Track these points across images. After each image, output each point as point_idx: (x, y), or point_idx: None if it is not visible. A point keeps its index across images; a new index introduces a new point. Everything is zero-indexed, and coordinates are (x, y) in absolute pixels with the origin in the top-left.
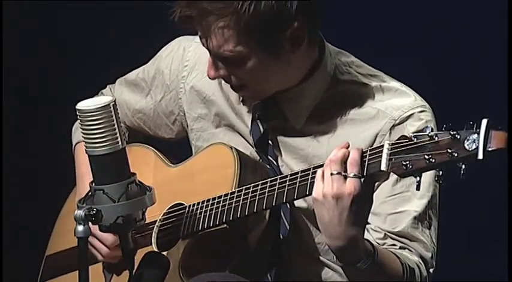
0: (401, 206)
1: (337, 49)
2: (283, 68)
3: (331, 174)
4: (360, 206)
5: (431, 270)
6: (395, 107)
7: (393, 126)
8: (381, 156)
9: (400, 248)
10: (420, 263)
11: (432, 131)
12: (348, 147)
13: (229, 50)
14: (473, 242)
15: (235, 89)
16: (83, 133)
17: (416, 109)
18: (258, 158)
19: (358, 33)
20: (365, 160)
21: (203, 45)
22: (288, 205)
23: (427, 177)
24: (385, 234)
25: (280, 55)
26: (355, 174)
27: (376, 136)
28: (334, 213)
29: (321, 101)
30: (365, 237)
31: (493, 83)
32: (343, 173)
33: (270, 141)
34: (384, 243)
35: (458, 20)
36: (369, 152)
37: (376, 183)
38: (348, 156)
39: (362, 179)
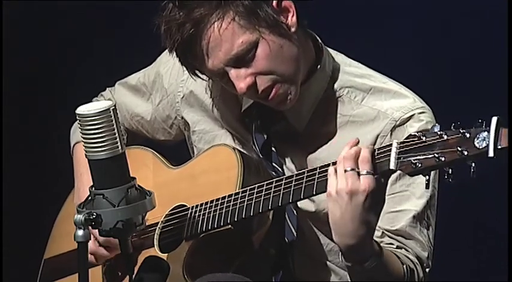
0: (400, 204)
1: (335, 51)
2: (295, 50)
3: (345, 170)
4: (372, 204)
5: (427, 270)
6: (395, 108)
7: (394, 127)
8: (389, 156)
9: (397, 247)
10: (417, 263)
11: (441, 129)
12: (357, 144)
13: (240, 43)
14: (473, 242)
15: (265, 95)
16: (83, 137)
17: (416, 110)
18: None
19: (357, 34)
20: (375, 159)
21: (213, 73)
22: (294, 211)
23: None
24: (382, 232)
25: (283, 30)
26: (368, 172)
27: (377, 137)
28: (347, 209)
29: (320, 102)
30: None
31: (493, 83)
32: (356, 170)
33: (273, 148)
34: (381, 242)
35: (457, 20)
36: (377, 151)
37: None
38: (359, 153)
39: (375, 177)
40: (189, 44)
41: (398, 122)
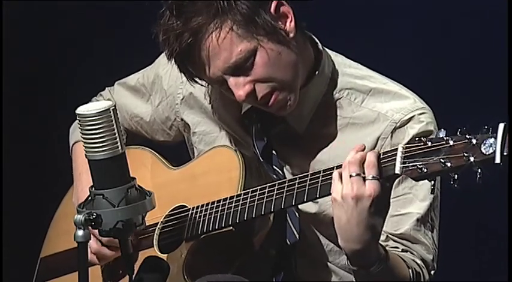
0: (403, 208)
1: (334, 52)
2: (293, 56)
3: (351, 176)
4: (378, 209)
5: (432, 272)
6: (395, 110)
7: (394, 129)
8: (394, 160)
9: (402, 250)
10: (423, 266)
11: (446, 134)
12: (363, 150)
13: (239, 52)
14: (474, 243)
15: (264, 101)
16: (83, 138)
17: (416, 111)
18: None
19: (357, 34)
20: (380, 163)
21: (212, 80)
22: (296, 214)
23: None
24: (387, 236)
25: (281, 37)
26: (373, 177)
27: (377, 139)
28: (353, 214)
29: (320, 104)
30: None
31: (493, 83)
32: (362, 175)
33: (274, 151)
34: (386, 245)
35: (457, 20)
36: (382, 156)
37: None
38: (365, 158)
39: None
40: (188, 54)
41: (398, 124)
